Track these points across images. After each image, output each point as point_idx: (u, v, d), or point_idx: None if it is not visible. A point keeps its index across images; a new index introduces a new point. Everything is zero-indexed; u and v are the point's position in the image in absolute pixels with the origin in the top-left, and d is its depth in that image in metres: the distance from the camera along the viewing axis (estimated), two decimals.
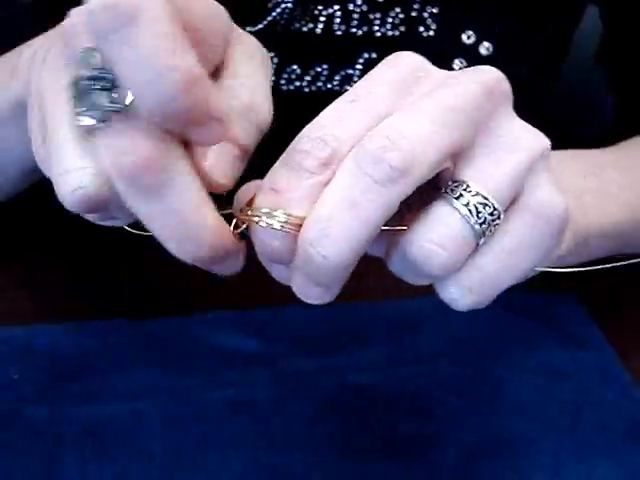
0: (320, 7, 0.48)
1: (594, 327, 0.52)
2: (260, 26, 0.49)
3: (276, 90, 0.51)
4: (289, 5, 0.48)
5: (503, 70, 0.51)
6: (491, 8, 0.49)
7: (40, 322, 0.48)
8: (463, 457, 0.42)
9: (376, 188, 0.25)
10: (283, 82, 0.50)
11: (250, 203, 0.28)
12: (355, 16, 0.48)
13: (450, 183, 0.27)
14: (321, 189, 0.26)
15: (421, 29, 0.49)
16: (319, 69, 0.50)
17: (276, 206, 0.27)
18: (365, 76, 0.29)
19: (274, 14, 0.49)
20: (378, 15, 0.48)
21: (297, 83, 0.50)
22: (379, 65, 0.29)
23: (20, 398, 0.44)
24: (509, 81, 0.53)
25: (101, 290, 0.51)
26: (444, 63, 0.49)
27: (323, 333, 0.49)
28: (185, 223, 0.26)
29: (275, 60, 0.50)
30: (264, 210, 0.27)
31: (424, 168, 0.26)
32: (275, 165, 0.28)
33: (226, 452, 0.42)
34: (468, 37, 0.49)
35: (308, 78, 0.50)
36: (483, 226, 0.27)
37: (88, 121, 0.25)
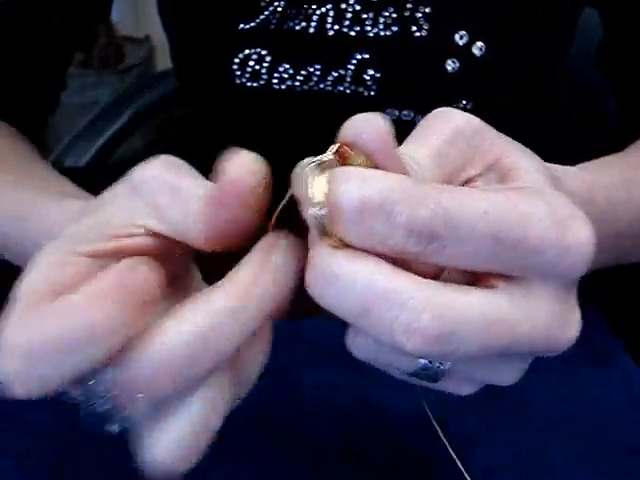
0: (313, 6, 0.48)
1: (617, 343, 0.50)
2: (253, 24, 0.49)
3: (268, 89, 0.51)
4: (282, 3, 0.48)
5: (496, 71, 0.51)
6: (484, 8, 0.49)
7: None
8: (481, 476, 0.41)
9: (387, 327, 0.24)
10: (275, 81, 0.51)
11: (343, 154, 0.25)
12: (348, 15, 0.48)
13: None
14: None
15: (414, 29, 0.49)
16: (311, 69, 0.50)
17: (335, 218, 0.24)
18: (537, 220, 0.24)
19: (267, 13, 0.49)
20: (371, 15, 0.48)
21: (289, 83, 0.51)
22: (554, 227, 0.25)
23: (22, 402, 0.44)
24: (503, 81, 0.53)
25: None
26: (437, 63, 0.49)
27: (341, 347, 0.48)
28: None
29: (268, 59, 0.50)
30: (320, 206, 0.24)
31: None
32: (394, 182, 0.24)
33: (237, 466, 0.41)
34: (461, 37, 0.49)
35: (300, 78, 0.50)
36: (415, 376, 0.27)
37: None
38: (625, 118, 0.57)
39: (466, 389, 0.28)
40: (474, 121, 0.27)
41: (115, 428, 0.25)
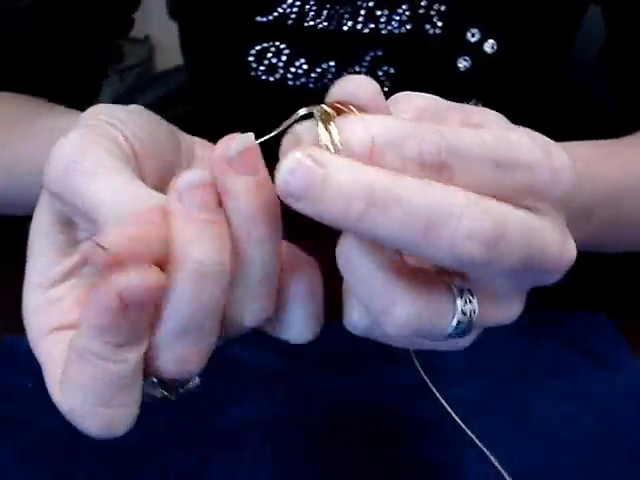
0: (333, 5, 0.48)
1: (625, 348, 0.49)
2: (270, 17, 0.49)
3: (282, 85, 0.51)
4: None
5: (507, 69, 0.52)
6: (496, 6, 0.49)
7: None
8: None
9: (445, 248, 0.24)
10: (290, 77, 0.51)
11: (338, 109, 0.25)
12: (362, 12, 0.48)
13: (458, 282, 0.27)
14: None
15: (427, 27, 0.49)
16: (325, 66, 0.50)
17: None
18: (527, 148, 0.25)
19: (284, 6, 0.49)
20: (385, 12, 0.48)
21: (303, 79, 0.51)
22: (542, 153, 0.26)
23: (34, 407, 0.43)
24: (513, 79, 0.53)
25: None
26: (449, 61, 0.50)
27: (342, 351, 0.47)
28: None
29: (286, 52, 0.50)
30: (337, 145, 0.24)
31: None
32: (394, 122, 0.24)
33: (240, 468, 0.41)
34: (473, 35, 0.49)
35: (314, 75, 0.50)
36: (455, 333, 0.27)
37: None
38: (626, 113, 0.57)
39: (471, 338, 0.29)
40: (433, 99, 0.29)
41: None
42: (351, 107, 0.25)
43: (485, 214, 0.24)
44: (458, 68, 0.50)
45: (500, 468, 0.37)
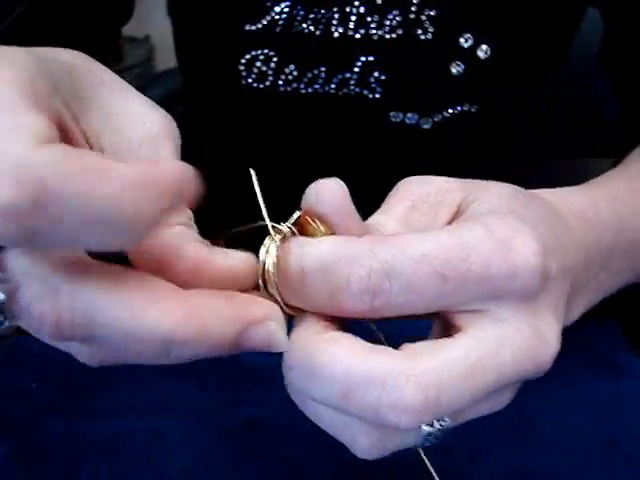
0: (320, 10, 0.48)
1: (635, 355, 0.49)
2: (259, 25, 0.49)
3: (273, 91, 0.51)
4: (287, 4, 0.48)
5: (500, 74, 0.51)
6: (489, 11, 0.49)
7: None
8: None
9: (371, 414, 0.24)
10: (281, 83, 0.51)
11: (304, 222, 0.27)
12: (353, 18, 0.48)
13: None
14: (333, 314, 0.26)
15: (419, 32, 0.49)
16: (316, 71, 0.50)
17: (286, 284, 0.26)
18: (482, 242, 0.25)
19: (273, 14, 0.49)
20: (376, 18, 0.48)
21: (294, 85, 0.50)
22: (502, 252, 0.25)
23: (38, 409, 0.43)
24: (506, 85, 0.53)
25: None
26: (442, 66, 0.49)
27: None
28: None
29: (275, 59, 0.50)
30: (272, 288, 0.26)
31: None
32: (329, 248, 0.25)
33: (242, 471, 0.41)
34: (466, 40, 0.49)
35: (305, 80, 0.50)
36: (426, 442, 0.27)
37: None
38: (627, 115, 0.57)
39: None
40: (437, 182, 0.29)
41: None
42: (315, 220, 0.27)
43: (412, 384, 0.23)
44: (451, 73, 0.50)
45: None
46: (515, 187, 0.30)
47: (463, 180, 0.30)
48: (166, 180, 0.21)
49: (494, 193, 0.29)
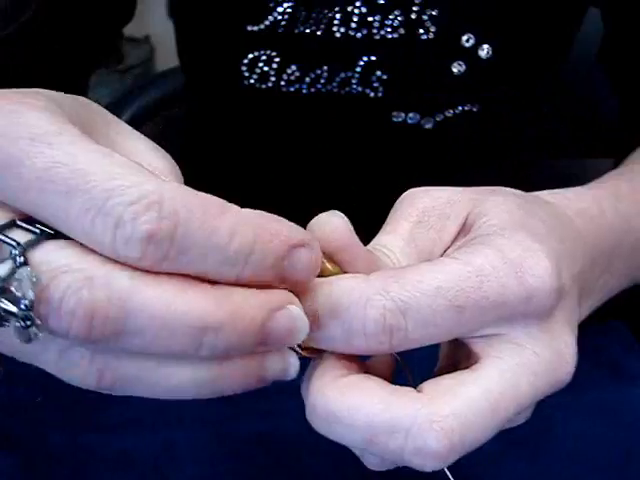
0: (323, 10, 0.48)
1: None
2: (262, 26, 0.49)
3: (276, 91, 0.51)
4: (290, 4, 0.48)
5: (502, 73, 0.52)
6: (491, 11, 0.49)
7: None
8: None
9: (397, 457, 0.24)
10: (283, 83, 0.51)
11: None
12: (354, 18, 0.49)
13: None
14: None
15: (420, 32, 0.49)
16: (319, 71, 0.50)
17: (313, 343, 0.26)
18: (495, 269, 0.25)
19: (275, 14, 0.49)
20: (377, 18, 0.48)
21: (297, 85, 0.51)
22: (516, 277, 0.25)
23: (43, 422, 0.43)
24: (508, 84, 0.53)
25: None
26: (443, 66, 0.50)
27: None
28: None
29: (277, 60, 0.50)
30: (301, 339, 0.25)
31: None
32: (340, 290, 0.25)
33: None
34: (467, 40, 0.49)
35: (308, 80, 0.51)
36: None
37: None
38: (627, 114, 0.57)
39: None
40: (442, 194, 0.29)
41: None
42: (323, 260, 0.26)
43: (435, 430, 0.23)
44: (452, 73, 0.50)
45: None
46: (519, 194, 0.30)
47: (467, 190, 0.30)
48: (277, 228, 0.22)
49: (501, 207, 0.28)
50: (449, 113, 0.51)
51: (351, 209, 0.30)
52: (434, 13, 0.48)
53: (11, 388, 0.45)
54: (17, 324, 0.21)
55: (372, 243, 0.29)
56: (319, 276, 0.26)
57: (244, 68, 0.50)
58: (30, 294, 0.20)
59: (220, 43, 0.52)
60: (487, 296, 0.24)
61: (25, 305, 0.20)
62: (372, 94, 0.51)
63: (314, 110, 0.52)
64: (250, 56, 0.50)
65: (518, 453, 0.42)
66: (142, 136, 0.27)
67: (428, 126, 0.52)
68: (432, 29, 0.49)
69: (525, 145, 0.60)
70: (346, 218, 0.27)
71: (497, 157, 0.57)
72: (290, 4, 0.48)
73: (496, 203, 0.29)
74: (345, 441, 0.25)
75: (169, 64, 0.92)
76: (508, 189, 0.30)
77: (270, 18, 0.49)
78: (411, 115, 0.52)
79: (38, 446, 0.42)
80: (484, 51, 0.50)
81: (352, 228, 0.26)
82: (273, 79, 0.51)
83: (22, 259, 0.21)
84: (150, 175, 0.21)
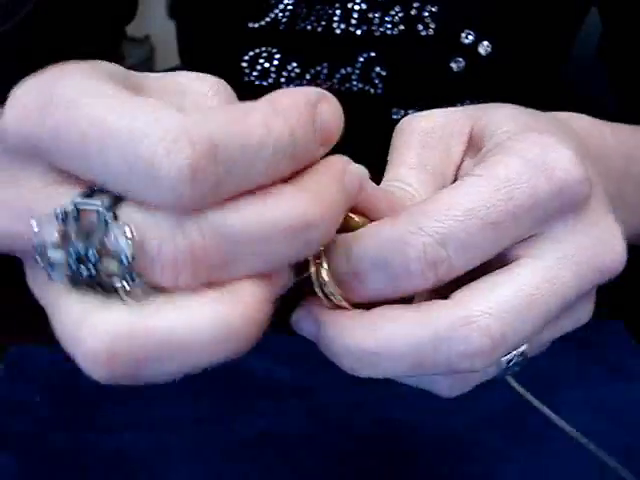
0: (321, 6, 0.48)
1: None
2: (262, 23, 0.49)
3: (276, 88, 0.51)
4: (291, 1, 0.48)
5: (501, 70, 0.51)
6: (490, 8, 0.49)
7: None
8: None
9: (445, 368, 0.24)
10: (283, 80, 0.51)
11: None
12: (355, 15, 0.48)
13: None
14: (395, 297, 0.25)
15: (420, 28, 0.49)
16: (319, 68, 0.50)
17: (343, 286, 0.25)
18: (520, 174, 0.25)
19: (276, 11, 0.49)
20: (377, 14, 0.48)
21: (297, 81, 0.51)
22: (543, 174, 0.25)
23: (41, 422, 0.43)
24: (508, 81, 0.53)
25: None
26: (443, 62, 0.49)
27: None
28: None
29: (277, 57, 0.50)
30: (331, 289, 0.25)
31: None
32: (375, 239, 0.25)
33: None
34: (467, 36, 0.49)
35: (308, 77, 0.50)
36: (508, 371, 0.27)
37: None
38: (626, 112, 0.57)
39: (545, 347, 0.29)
40: (439, 115, 0.29)
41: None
42: (348, 214, 0.26)
43: (474, 330, 0.24)
44: (452, 69, 0.50)
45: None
46: (517, 106, 0.30)
47: (464, 107, 0.29)
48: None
49: (505, 115, 0.28)
50: None
51: None
52: (434, 10, 0.48)
53: (10, 387, 0.45)
54: (120, 284, 0.20)
55: (385, 180, 0.29)
56: (348, 230, 0.25)
57: (245, 65, 0.50)
58: (127, 252, 0.20)
59: (221, 40, 0.52)
60: (519, 204, 0.24)
61: (126, 264, 0.20)
62: (372, 90, 0.51)
63: None
64: (251, 53, 0.50)
65: (518, 452, 0.42)
66: (181, 72, 0.26)
67: None
68: (432, 26, 0.49)
69: None
70: (358, 165, 0.26)
71: None
72: (291, 1, 0.48)
73: (499, 113, 0.28)
74: (394, 374, 0.25)
75: (169, 64, 0.92)
76: (508, 104, 0.30)
77: (271, 15, 0.49)
78: (411, 112, 0.51)
79: (36, 445, 0.42)
80: (484, 48, 0.49)
81: (367, 174, 0.26)
82: (274, 75, 0.51)
83: (112, 218, 0.20)
84: (169, 108, 0.20)
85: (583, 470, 0.41)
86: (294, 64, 0.50)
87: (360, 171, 0.24)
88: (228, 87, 0.26)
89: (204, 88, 0.25)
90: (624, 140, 0.37)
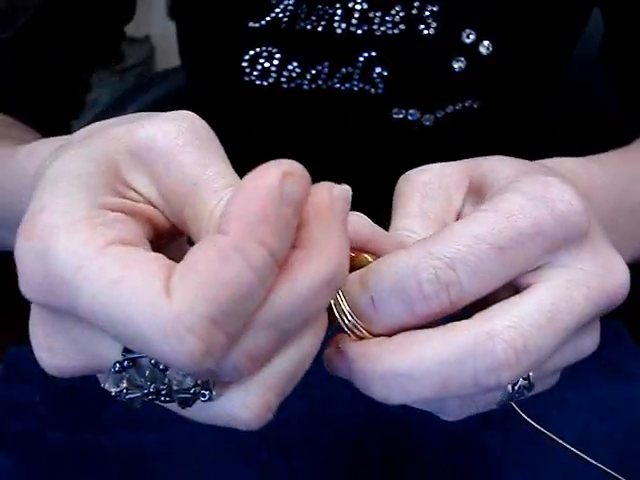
0: (324, 6, 0.48)
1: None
2: (263, 22, 0.49)
3: (276, 88, 0.51)
4: (291, 1, 0.48)
5: (503, 70, 0.51)
6: (491, 7, 0.49)
7: None
8: None
9: (472, 385, 0.25)
10: (284, 80, 0.51)
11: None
12: (355, 14, 0.48)
13: None
14: (415, 324, 0.26)
15: (421, 27, 0.49)
16: (320, 68, 0.50)
17: (363, 318, 0.26)
18: (522, 208, 0.26)
19: (277, 10, 0.49)
20: (378, 13, 0.48)
21: (298, 81, 0.50)
22: (544, 206, 0.26)
23: (41, 422, 0.43)
24: (509, 80, 0.53)
25: None
26: (444, 62, 0.49)
27: None
28: None
29: (277, 56, 0.50)
30: (348, 312, 0.27)
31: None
32: (388, 269, 0.26)
33: None
34: (468, 36, 0.49)
35: (308, 76, 0.50)
36: (512, 399, 0.28)
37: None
38: (627, 113, 0.57)
39: (552, 381, 0.30)
40: (434, 168, 0.31)
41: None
42: (357, 253, 0.28)
43: (498, 343, 0.24)
44: (453, 69, 0.50)
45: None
46: (505, 157, 0.31)
47: (456, 162, 0.31)
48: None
49: (501, 162, 0.30)
50: (450, 110, 0.51)
51: (351, 206, 0.29)
52: (435, 9, 0.48)
53: (9, 387, 0.45)
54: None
55: (390, 231, 0.30)
56: (360, 268, 0.27)
57: (245, 64, 0.50)
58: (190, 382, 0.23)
59: (221, 40, 0.51)
60: (523, 231, 0.25)
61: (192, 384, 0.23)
62: (372, 90, 0.51)
63: (315, 106, 0.52)
64: (251, 52, 0.50)
65: (517, 452, 0.42)
66: (143, 121, 0.25)
67: (428, 123, 0.52)
68: (433, 25, 0.48)
69: (525, 142, 0.60)
70: (361, 214, 0.28)
71: (497, 154, 0.57)
72: (292, 1, 0.48)
73: (494, 160, 0.30)
74: (422, 396, 0.25)
75: (169, 64, 0.92)
76: (498, 156, 0.31)
77: (271, 14, 0.49)
78: (411, 111, 0.51)
79: (36, 445, 0.42)
80: (485, 47, 0.49)
81: (370, 221, 0.28)
82: (274, 75, 0.51)
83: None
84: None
85: (583, 469, 0.41)
86: (295, 64, 0.50)
87: (344, 191, 0.25)
88: (195, 121, 0.25)
89: (168, 138, 0.25)
90: (613, 175, 0.38)
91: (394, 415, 0.44)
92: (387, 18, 0.48)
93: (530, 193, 0.26)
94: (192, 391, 0.23)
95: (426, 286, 0.25)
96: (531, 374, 0.27)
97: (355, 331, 0.27)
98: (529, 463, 0.42)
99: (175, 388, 0.23)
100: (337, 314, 0.27)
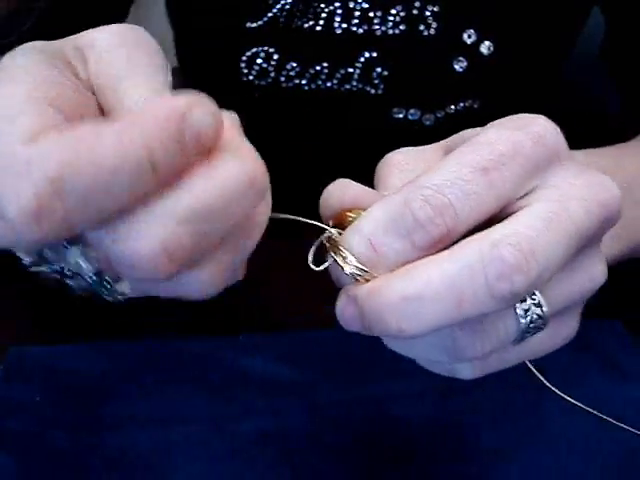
0: (321, 4, 0.48)
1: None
2: (261, 22, 0.49)
3: (275, 87, 0.51)
4: (289, 0, 0.48)
5: (503, 70, 0.51)
6: (492, 7, 0.49)
7: (65, 341, 0.47)
8: None
9: (487, 297, 0.25)
10: (282, 79, 0.50)
11: (340, 218, 0.28)
12: (356, 14, 0.48)
13: None
14: (419, 258, 0.26)
15: (422, 28, 0.49)
16: (319, 67, 0.50)
17: (367, 264, 0.26)
18: (499, 135, 0.26)
19: (275, 10, 0.49)
20: (379, 13, 0.48)
21: (296, 81, 0.50)
22: (520, 130, 0.26)
23: (42, 421, 0.42)
24: (509, 81, 0.53)
25: (128, 310, 0.50)
26: (445, 62, 0.49)
27: (359, 361, 0.47)
28: None
29: (275, 57, 0.50)
30: (351, 260, 0.27)
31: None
32: (379, 210, 0.26)
33: None
34: (469, 36, 0.49)
35: (307, 76, 0.50)
36: (527, 334, 0.27)
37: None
38: (630, 112, 0.57)
39: (569, 322, 0.29)
40: (411, 149, 0.31)
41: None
42: (348, 213, 0.28)
43: (504, 247, 0.24)
44: (454, 69, 0.50)
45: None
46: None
47: (433, 144, 0.31)
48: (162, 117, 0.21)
49: (474, 130, 0.30)
50: (450, 109, 0.51)
51: None
52: (436, 9, 0.48)
53: (9, 387, 0.45)
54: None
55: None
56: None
57: (243, 64, 0.50)
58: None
59: (219, 40, 0.51)
60: (502, 152, 0.26)
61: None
62: (372, 91, 0.50)
63: (314, 106, 0.52)
64: (249, 52, 0.50)
65: (515, 452, 0.42)
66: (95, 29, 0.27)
67: (429, 123, 0.52)
68: (434, 25, 0.48)
69: None
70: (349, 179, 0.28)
71: None
72: (290, 0, 0.48)
73: (469, 130, 0.30)
74: (437, 320, 0.25)
75: (169, 64, 0.91)
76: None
77: (269, 14, 0.49)
78: (412, 111, 0.51)
79: (36, 445, 0.42)
80: (485, 47, 0.49)
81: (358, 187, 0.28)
82: (272, 75, 0.51)
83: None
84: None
85: (583, 470, 0.41)
86: (293, 64, 0.50)
87: (235, 116, 0.25)
88: (140, 34, 0.27)
89: (107, 42, 0.26)
90: (615, 166, 0.39)
91: (396, 416, 0.44)
92: (388, 18, 0.48)
93: (505, 124, 0.27)
94: (93, 278, 0.23)
95: (420, 214, 0.25)
96: (543, 304, 0.27)
97: (361, 274, 0.27)
98: (529, 463, 0.42)
99: (74, 271, 0.23)
100: (342, 265, 0.27)
